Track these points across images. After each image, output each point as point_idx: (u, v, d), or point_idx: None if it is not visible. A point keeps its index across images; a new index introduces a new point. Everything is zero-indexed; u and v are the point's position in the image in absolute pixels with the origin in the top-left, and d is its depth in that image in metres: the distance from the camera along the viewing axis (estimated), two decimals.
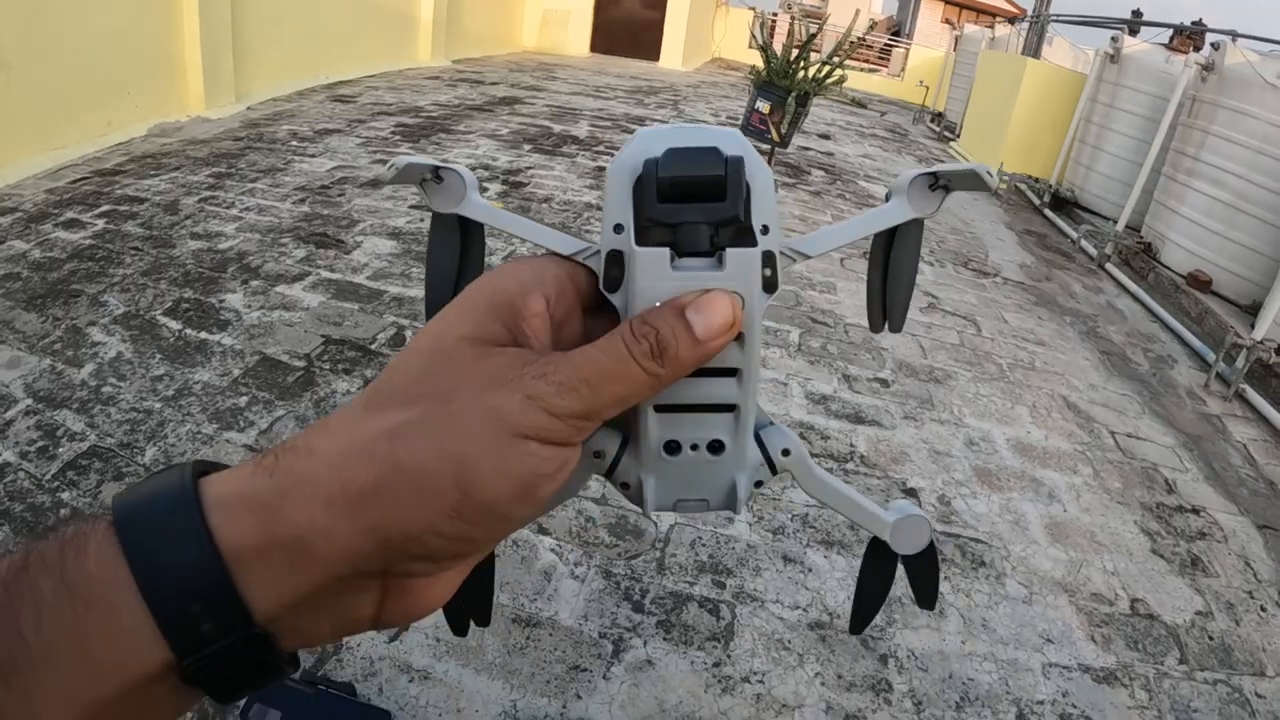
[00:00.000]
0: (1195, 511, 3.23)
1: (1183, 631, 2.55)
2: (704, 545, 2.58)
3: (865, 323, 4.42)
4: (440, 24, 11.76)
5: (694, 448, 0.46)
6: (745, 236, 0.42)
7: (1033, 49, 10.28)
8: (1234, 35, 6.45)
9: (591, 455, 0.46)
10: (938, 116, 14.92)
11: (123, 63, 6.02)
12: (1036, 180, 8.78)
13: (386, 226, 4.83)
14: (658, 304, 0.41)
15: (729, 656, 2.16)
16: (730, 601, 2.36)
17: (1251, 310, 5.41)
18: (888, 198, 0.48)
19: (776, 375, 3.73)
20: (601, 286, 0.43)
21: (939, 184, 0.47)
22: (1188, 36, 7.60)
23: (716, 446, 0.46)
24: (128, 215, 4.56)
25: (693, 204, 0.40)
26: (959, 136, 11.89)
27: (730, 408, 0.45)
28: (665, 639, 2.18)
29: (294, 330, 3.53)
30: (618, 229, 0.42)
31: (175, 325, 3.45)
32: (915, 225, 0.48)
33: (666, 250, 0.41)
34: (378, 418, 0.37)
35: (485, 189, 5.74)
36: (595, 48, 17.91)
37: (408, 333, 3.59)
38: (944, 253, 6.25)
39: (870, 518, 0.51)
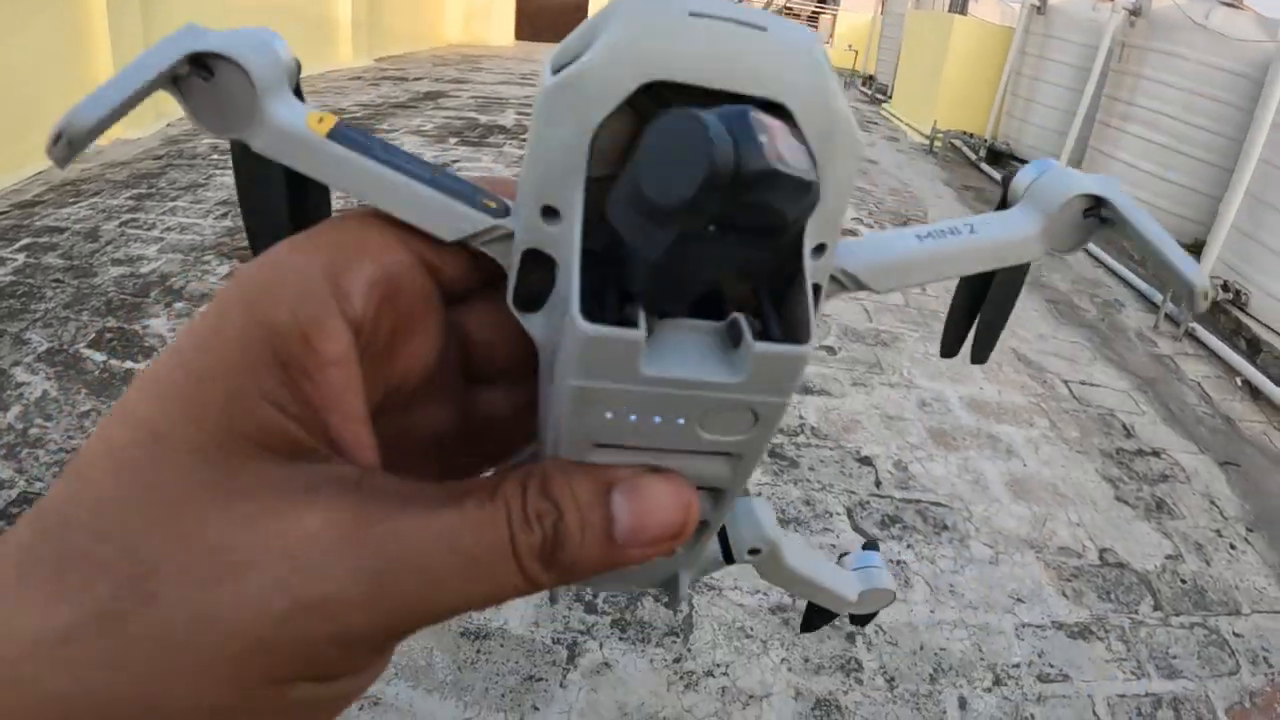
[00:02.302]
0: (1156, 454, 3.20)
1: (1154, 577, 2.51)
2: None
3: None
4: (361, 24, 11.53)
5: None
6: (785, 308, 0.25)
7: (959, 5, 10.26)
8: None
9: None
10: (869, 80, 14.91)
11: (37, 92, 5.78)
12: (971, 136, 8.77)
13: None
14: (571, 459, 0.25)
15: (689, 650, 2.07)
16: (685, 593, 2.27)
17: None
18: (1004, 202, 0.32)
19: None
20: (510, 302, 0.25)
21: (1094, 212, 0.30)
22: None
23: None
24: (48, 247, 4.37)
25: (730, 234, 0.21)
26: (890, 98, 11.88)
27: (713, 493, 0.29)
28: (621, 639, 2.09)
29: None
30: (549, 214, 0.24)
31: (100, 357, 3.30)
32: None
33: (639, 335, 0.22)
34: (40, 609, 0.20)
35: None
36: (521, 36, 17.73)
37: None
38: (882, 213, 6.20)
39: (835, 600, 0.46)
